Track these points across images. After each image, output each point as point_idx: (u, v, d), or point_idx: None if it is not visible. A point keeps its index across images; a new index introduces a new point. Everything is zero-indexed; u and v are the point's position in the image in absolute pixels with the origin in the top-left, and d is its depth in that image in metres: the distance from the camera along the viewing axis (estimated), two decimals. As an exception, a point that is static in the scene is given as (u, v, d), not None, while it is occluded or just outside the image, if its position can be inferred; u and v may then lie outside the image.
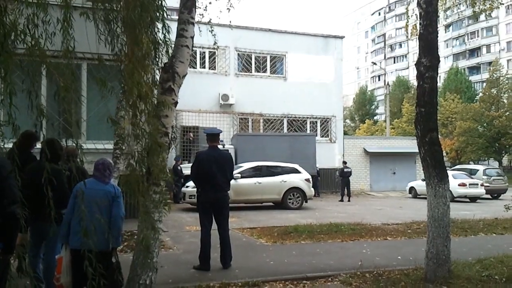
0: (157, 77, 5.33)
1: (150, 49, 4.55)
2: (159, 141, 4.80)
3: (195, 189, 7.84)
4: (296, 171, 17.21)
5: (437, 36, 6.45)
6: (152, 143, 4.52)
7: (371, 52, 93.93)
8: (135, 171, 4.37)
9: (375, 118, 72.44)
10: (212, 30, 8.44)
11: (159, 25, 4.76)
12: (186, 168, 18.22)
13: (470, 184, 22.01)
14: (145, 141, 4.47)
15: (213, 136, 7.49)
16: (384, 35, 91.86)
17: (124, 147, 8.09)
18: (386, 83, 42.08)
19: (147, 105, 4.39)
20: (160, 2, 4.63)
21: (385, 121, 45.66)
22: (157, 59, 4.95)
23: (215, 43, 8.94)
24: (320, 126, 26.42)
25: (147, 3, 4.33)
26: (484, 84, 54.81)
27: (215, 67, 24.48)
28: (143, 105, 4.34)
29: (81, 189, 3.83)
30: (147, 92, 4.37)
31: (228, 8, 8.78)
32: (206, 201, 7.07)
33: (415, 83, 6.90)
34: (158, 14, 4.57)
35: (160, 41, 4.77)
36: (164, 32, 4.78)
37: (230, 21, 10.77)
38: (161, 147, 4.85)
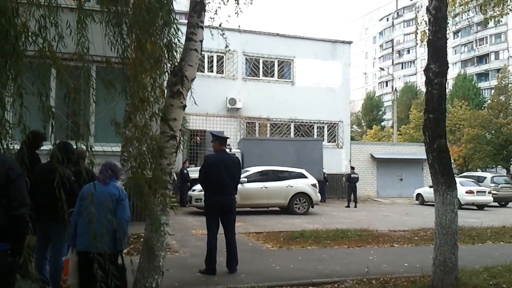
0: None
1: (163, 52, 4.55)
2: (160, 144, 4.80)
3: (202, 192, 7.81)
4: (302, 176, 17.15)
5: (446, 42, 6.41)
6: (155, 146, 4.51)
7: (379, 58, 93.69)
8: (138, 173, 4.36)
9: (382, 124, 72.16)
10: (223, 34, 8.43)
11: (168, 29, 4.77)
12: (193, 172, 18.25)
13: (477, 192, 21.84)
14: (149, 144, 4.46)
15: (222, 139, 7.49)
16: (392, 40, 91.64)
17: (131, 150, 8.12)
18: (394, 89, 41.98)
19: (152, 108, 4.39)
20: (170, 6, 4.64)
21: (392, 127, 45.49)
22: (170, 62, 4.95)
23: (226, 46, 8.92)
24: (327, 131, 26.39)
25: (155, 8, 4.34)
26: (493, 91, 54.49)
27: (223, 71, 24.54)
28: (147, 108, 4.34)
29: (90, 191, 3.82)
30: (160, 94, 4.37)
31: (236, 13, 8.75)
32: (214, 204, 7.04)
33: (423, 89, 6.88)
34: (170, 17, 4.58)
35: (174, 45, 4.78)
36: (169, 36, 4.78)
37: (238, 26, 10.71)
38: (163, 150, 4.85)
